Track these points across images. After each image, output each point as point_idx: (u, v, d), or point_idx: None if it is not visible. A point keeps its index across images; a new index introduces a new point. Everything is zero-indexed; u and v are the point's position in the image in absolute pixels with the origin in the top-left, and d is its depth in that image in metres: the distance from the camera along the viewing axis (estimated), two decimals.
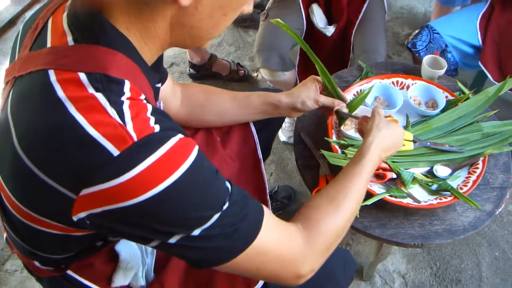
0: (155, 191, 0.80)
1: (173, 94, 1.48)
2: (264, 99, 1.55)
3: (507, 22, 2.23)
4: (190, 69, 3.33)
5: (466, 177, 1.58)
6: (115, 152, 0.78)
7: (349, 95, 1.80)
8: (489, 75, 2.21)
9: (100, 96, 0.81)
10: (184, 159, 0.85)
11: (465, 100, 1.76)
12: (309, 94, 1.51)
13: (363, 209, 1.51)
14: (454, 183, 1.56)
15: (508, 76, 1.72)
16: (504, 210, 2.57)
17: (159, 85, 1.21)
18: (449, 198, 1.50)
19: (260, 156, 1.62)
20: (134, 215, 0.82)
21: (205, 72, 3.31)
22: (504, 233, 2.48)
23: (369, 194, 1.48)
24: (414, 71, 1.97)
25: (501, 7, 2.27)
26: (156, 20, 0.88)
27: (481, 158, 1.60)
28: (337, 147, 1.62)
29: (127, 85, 0.85)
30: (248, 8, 0.98)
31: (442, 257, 2.37)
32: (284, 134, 2.90)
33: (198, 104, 1.54)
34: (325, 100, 1.51)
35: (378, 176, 1.57)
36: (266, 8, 2.57)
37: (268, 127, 1.72)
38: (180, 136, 0.86)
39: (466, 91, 1.84)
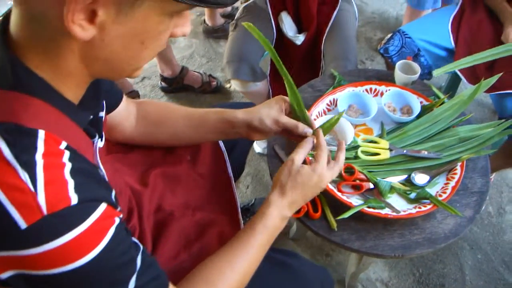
0: (64, 269, 0.79)
1: (127, 114, 1.41)
2: (220, 116, 1.44)
3: (478, 23, 2.23)
4: (162, 83, 3.30)
5: (445, 183, 1.56)
6: (23, 224, 0.74)
7: (322, 104, 1.77)
8: (463, 78, 2.20)
9: (8, 155, 0.75)
10: (98, 241, 0.83)
11: (440, 105, 1.74)
12: (269, 112, 1.37)
13: (341, 222, 1.47)
14: (432, 190, 1.54)
15: (482, 79, 1.70)
16: (485, 212, 2.56)
17: (102, 114, 1.13)
18: (428, 207, 1.47)
19: (231, 174, 1.58)
20: (38, 281, 0.81)
21: (177, 85, 3.27)
22: (486, 235, 2.47)
23: (346, 207, 1.46)
24: (387, 77, 1.95)
25: (471, 8, 2.27)
26: (65, 56, 0.82)
27: (459, 163, 1.58)
28: (311, 158, 1.58)
29: (41, 136, 0.79)
30: (183, 31, 0.90)
31: (424, 263, 2.36)
32: (259, 145, 2.87)
33: (152, 123, 1.47)
34: (287, 121, 1.36)
35: (355, 187, 1.54)
36: (235, 18, 2.54)
37: (240, 144, 1.68)
38: (99, 210, 0.84)
39: (441, 95, 1.82)
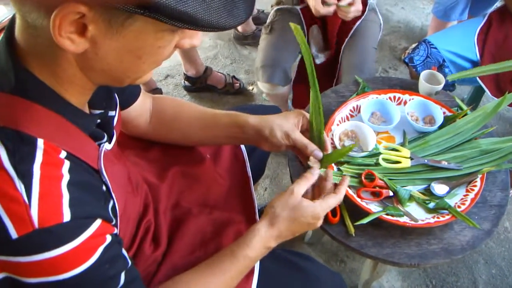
0: (47, 280, 0.80)
1: (143, 110, 1.40)
2: (232, 120, 1.39)
3: (505, 37, 2.22)
4: (185, 82, 3.32)
5: (464, 195, 1.55)
6: (14, 234, 0.75)
7: (345, 110, 1.77)
8: (487, 91, 2.19)
9: (7, 163, 0.76)
10: (85, 259, 0.84)
11: (463, 116, 1.73)
12: (282, 124, 1.31)
13: (358, 228, 1.48)
14: (451, 201, 1.53)
15: (506, 92, 1.70)
16: (501, 227, 2.54)
17: (112, 113, 1.12)
18: (447, 217, 1.46)
19: (250, 175, 1.57)
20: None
21: (200, 84, 3.29)
22: (501, 250, 2.45)
23: (365, 213, 1.47)
24: (411, 87, 1.95)
25: (498, 22, 2.25)
26: (62, 64, 0.82)
27: (479, 176, 1.57)
28: (332, 164, 1.59)
29: (40, 146, 0.80)
30: (191, 43, 0.89)
31: (438, 275, 2.34)
32: None
33: (166, 121, 1.45)
34: (298, 139, 1.30)
35: (375, 194, 1.54)
36: (269, 21, 2.51)
37: None
38: (92, 228, 0.84)
39: (464, 107, 1.81)
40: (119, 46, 0.78)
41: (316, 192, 1.28)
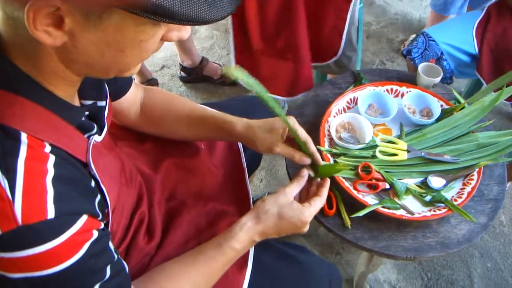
0: (29, 275, 0.79)
1: (134, 101, 1.39)
2: (219, 126, 1.40)
3: (504, 30, 2.21)
4: (181, 72, 3.30)
5: (461, 189, 1.55)
6: None
7: (342, 102, 1.77)
8: (485, 84, 2.18)
9: None
10: (70, 255, 0.82)
11: (460, 110, 1.72)
12: (266, 139, 1.32)
13: (355, 220, 1.47)
14: (448, 194, 1.53)
15: (504, 86, 1.69)
16: (497, 221, 2.54)
17: (102, 103, 1.10)
18: (443, 210, 1.46)
19: (244, 166, 1.57)
20: (4, 282, 0.80)
21: (196, 75, 3.27)
22: (497, 244, 2.45)
23: (361, 205, 1.46)
24: (408, 79, 1.94)
25: (497, 15, 2.24)
26: (43, 57, 0.80)
27: (476, 169, 1.57)
28: (329, 155, 1.59)
29: (23, 140, 0.78)
30: (179, 35, 0.85)
31: (433, 268, 2.34)
32: None
33: (154, 115, 1.44)
34: (282, 151, 1.30)
35: (371, 186, 1.53)
36: None
37: None
38: (77, 225, 0.83)
39: (462, 100, 1.80)
40: (98, 39, 0.76)
41: (303, 195, 1.29)
